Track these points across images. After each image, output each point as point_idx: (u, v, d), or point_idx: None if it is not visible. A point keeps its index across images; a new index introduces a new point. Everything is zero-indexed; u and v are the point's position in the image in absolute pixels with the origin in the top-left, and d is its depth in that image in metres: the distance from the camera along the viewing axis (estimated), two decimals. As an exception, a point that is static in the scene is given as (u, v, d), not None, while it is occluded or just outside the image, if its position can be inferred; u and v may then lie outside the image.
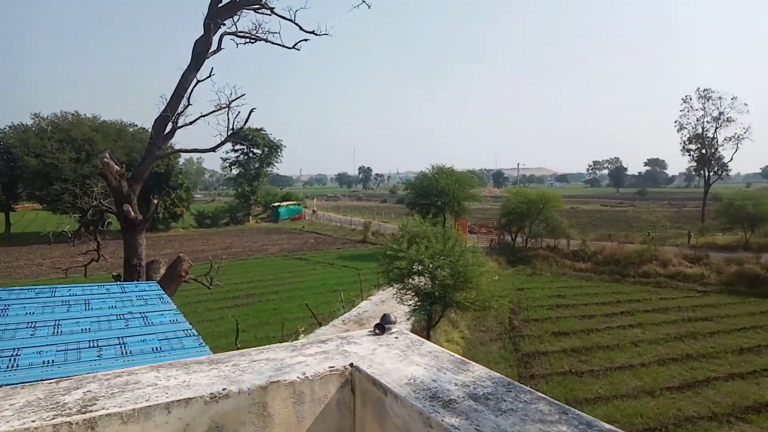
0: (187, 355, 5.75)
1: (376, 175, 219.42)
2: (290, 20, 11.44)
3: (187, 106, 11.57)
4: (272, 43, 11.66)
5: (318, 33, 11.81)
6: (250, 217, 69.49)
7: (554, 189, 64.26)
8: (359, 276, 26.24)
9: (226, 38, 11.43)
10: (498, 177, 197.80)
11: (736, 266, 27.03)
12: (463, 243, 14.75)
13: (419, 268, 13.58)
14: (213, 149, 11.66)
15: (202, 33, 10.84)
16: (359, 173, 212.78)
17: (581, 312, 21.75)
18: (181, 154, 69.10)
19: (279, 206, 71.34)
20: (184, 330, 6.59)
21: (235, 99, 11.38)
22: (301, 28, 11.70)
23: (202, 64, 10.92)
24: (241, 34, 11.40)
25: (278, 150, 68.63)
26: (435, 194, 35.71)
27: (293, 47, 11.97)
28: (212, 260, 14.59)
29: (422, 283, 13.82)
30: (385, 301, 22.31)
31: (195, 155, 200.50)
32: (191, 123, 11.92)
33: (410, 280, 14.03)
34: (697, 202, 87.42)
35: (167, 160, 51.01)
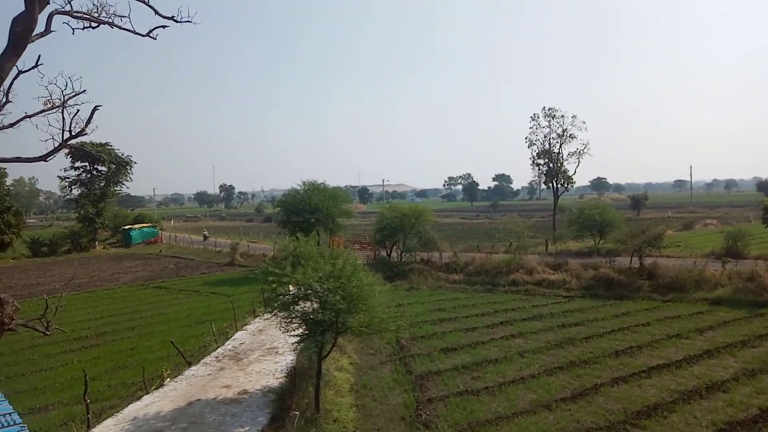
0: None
1: (240, 193, 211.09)
2: (143, 1, 9.37)
3: (5, 103, 8.96)
4: (120, 28, 9.45)
5: (179, 20, 9.83)
6: (97, 243, 62.26)
7: (419, 204, 66.06)
8: (231, 303, 23.74)
9: (58, 19, 9.05)
10: (363, 193, 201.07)
11: (593, 271, 29.05)
12: (355, 261, 13.45)
13: (308, 293, 12.01)
14: (43, 158, 9.10)
15: (24, 8, 8.40)
16: (220, 192, 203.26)
17: (464, 325, 21.57)
18: (9, 173, 59.97)
19: (131, 229, 64.80)
20: (2, 415, 4.49)
21: (73, 95, 9.03)
22: (156, 12, 9.63)
23: (23, 49, 8.42)
24: (78, 15, 9.06)
25: (128, 167, 62.39)
26: (308, 211, 34.24)
27: (147, 35, 9.84)
28: (47, 298, 11.69)
29: (310, 309, 12.24)
30: (263, 330, 20.17)
31: (27, 174, 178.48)
32: (12, 125, 9.27)
33: (296, 307, 12.38)
34: (543, 212, 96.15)
35: (-10, 180, 43.70)
